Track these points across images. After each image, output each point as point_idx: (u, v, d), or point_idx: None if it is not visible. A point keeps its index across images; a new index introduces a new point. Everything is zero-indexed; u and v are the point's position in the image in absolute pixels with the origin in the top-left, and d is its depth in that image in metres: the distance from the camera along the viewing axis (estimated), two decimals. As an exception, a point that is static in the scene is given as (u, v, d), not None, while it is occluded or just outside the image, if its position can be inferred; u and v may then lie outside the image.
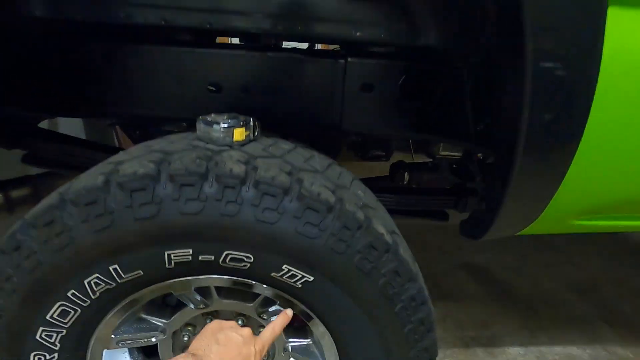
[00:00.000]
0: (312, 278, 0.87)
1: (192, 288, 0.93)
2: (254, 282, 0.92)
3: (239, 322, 1.09)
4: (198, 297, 0.98)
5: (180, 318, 1.05)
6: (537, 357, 2.03)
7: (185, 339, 1.09)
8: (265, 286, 0.92)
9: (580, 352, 2.08)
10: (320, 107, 1.27)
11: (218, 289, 1.02)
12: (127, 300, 0.91)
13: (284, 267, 0.85)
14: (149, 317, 1.06)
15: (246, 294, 1.08)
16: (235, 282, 0.93)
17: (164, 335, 1.07)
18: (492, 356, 2.02)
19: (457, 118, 1.38)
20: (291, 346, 1.11)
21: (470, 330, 2.20)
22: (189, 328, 1.11)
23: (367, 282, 0.89)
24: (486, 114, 1.26)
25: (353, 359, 1.01)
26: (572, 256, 3.18)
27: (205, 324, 1.11)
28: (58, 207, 0.79)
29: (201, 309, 1.03)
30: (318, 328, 1.00)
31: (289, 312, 0.92)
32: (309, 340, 1.13)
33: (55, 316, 0.86)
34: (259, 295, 1.03)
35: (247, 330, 0.82)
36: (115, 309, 0.92)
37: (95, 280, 0.83)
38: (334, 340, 1.01)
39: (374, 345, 0.97)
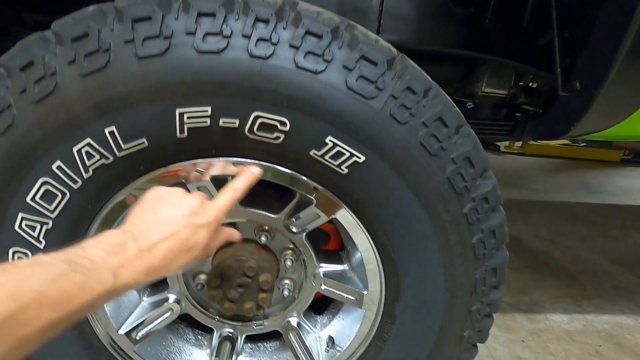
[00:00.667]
0: (362, 158, 0.67)
1: (209, 176, 0.74)
2: (286, 171, 0.72)
3: (262, 239, 0.90)
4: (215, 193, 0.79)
5: (192, 230, 0.87)
6: (583, 325, 1.82)
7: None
8: (299, 176, 0.73)
9: (633, 322, 1.87)
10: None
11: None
12: (127, 187, 0.72)
13: (328, 140, 0.66)
14: (154, 227, 0.88)
15: (270, 202, 0.89)
16: (268, 172, 0.73)
17: (173, 252, 0.89)
18: (534, 322, 1.81)
19: (517, 31, 1.17)
20: (323, 272, 0.92)
21: (506, 296, 1.99)
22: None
23: (433, 168, 0.69)
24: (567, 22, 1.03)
25: (403, 284, 0.82)
26: (611, 230, 2.94)
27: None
28: (38, 44, 0.60)
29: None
30: (362, 242, 0.81)
31: (255, 170, 0.70)
32: (344, 266, 0.95)
33: (37, 199, 0.68)
34: (286, 202, 0.84)
35: (195, 198, 0.61)
36: (114, 201, 0.74)
37: (87, 148, 0.64)
38: (380, 259, 0.81)
39: (433, 261, 0.77)
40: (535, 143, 5.26)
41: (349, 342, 0.94)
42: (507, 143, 5.35)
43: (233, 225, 0.91)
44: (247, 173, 0.69)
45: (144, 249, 0.52)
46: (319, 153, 0.67)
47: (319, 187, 0.74)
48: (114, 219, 0.76)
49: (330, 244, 1.06)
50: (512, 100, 1.46)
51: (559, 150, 5.12)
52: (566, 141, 5.52)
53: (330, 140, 0.66)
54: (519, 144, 5.38)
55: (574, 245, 2.65)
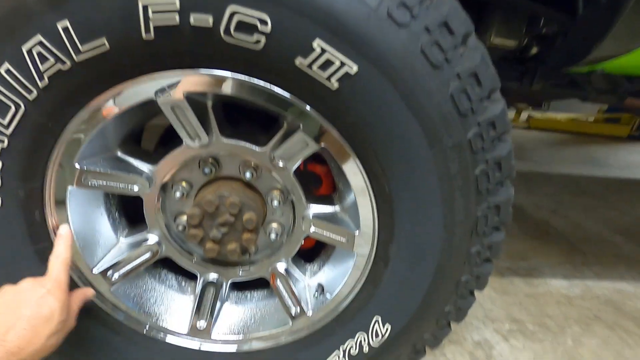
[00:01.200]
0: (355, 68, 0.59)
1: (184, 94, 0.66)
2: (269, 87, 0.64)
3: (247, 175, 0.83)
4: (194, 120, 0.71)
5: (170, 163, 0.80)
6: (583, 291, 1.78)
7: (178, 195, 0.84)
8: (284, 94, 0.64)
9: (633, 289, 1.83)
10: None
11: (219, 121, 0.75)
12: (92, 104, 0.65)
13: (315, 44, 0.57)
14: (129, 158, 0.81)
15: (256, 135, 0.82)
16: (237, 87, 0.65)
17: (150, 187, 0.82)
18: (532, 286, 1.77)
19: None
20: (313, 214, 0.86)
21: (505, 261, 1.95)
22: (183, 184, 0.85)
23: (435, 83, 0.61)
24: None
25: (397, 222, 0.75)
26: (613, 201, 2.88)
27: (203, 180, 0.87)
28: None
29: (197, 148, 0.77)
30: (353, 175, 0.74)
31: (63, 230, 0.75)
32: (336, 207, 0.88)
33: (-13, 110, 0.60)
34: (272, 135, 0.76)
35: (27, 281, 0.67)
36: (78, 120, 0.66)
37: (39, 49, 0.56)
38: (373, 194, 0.74)
39: (430, 195, 0.70)
40: (540, 117, 5.13)
41: (339, 287, 0.89)
42: (512, 117, 5.22)
43: (216, 160, 0.84)
44: (60, 237, 0.74)
45: None
46: (306, 62, 0.59)
47: (307, 107, 0.65)
48: (78, 144, 0.69)
49: (322, 188, 1.00)
50: (522, 53, 1.36)
51: (565, 124, 5.00)
52: (573, 115, 5.38)
53: (319, 45, 0.57)
54: (524, 117, 5.25)
55: (575, 215, 2.59)
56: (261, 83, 0.64)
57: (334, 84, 0.61)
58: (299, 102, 0.65)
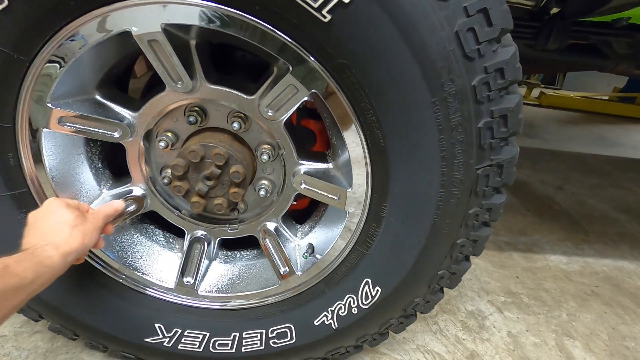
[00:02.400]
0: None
1: (161, 25, 0.59)
2: (254, 20, 0.58)
3: (235, 126, 0.78)
4: (174, 59, 0.65)
5: (152, 109, 0.75)
6: (582, 267, 1.75)
7: (162, 145, 0.79)
8: (271, 29, 0.58)
9: (634, 267, 1.80)
10: None
11: (204, 65, 0.69)
12: (61, 31, 0.59)
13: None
14: (109, 103, 0.76)
15: (244, 83, 0.76)
16: (219, 20, 0.59)
17: (132, 135, 0.77)
18: (530, 261, 1.74)
19: None
20: (304, 170, 0.81)
21: (504, 235, 1.92)
22: (168, 134, 0.81)
23: (439, 17, 0.54)
24: None
25: (392, 179, 0.70)
26: (621, 180, 2.81)
27: (189, 131, 0.82)
28: None
29: (181, 94, 0.71)
30: (346, 125, 0.68)
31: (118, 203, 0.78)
32: (329, 164, 0.83)
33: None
34: (259, 84, 0.70)
35: (72, 208, 0.68)
36: (45, 49, 0.60)
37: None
38: (367, 147, 0.69)
39: (428, 148, 0.65)
40: (552, 94, 4.96)
41: (329, 248, 0.86)
42: (523, 93, 5.06)
43: (202, 110, 0.78)
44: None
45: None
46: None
47: (295, 45, 0.59)
48: (50, 80, 0.63)
49: (317, 145, 0.95)
50: (540, 14, 1.25)
51: (577, 102, 4.84)
52: (586, 94, 5.20)
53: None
54: (535, 94, 5.08)
55: (581, 192, 2.53)
56: (242, 14, 0.57)
57: (326, 15, 0.54)
58: (285, 38, 0.59)
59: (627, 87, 5.06)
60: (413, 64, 0.56)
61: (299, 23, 0.56)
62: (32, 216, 0.66)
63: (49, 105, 0.67)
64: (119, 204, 0.77)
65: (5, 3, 0.53)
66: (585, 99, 4.93)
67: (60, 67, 0.63)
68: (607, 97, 5.13)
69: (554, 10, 1.24)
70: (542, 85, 5.33)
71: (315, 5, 0.53)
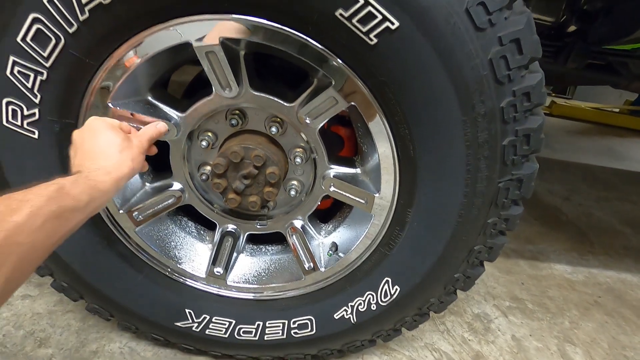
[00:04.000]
0: (396, 24, 0.58)
1: (219, 39, 0.65)
2: (305, 38, 0.63)
3: (273, 130, 0.84)
4: (227, 68, 0.71)
5: (198, 111, 0.81)
6: (586, 277, 1.80)
7: (204, 144, 0.85)
8: (320, 47, 0.64)
9: (637, 280, 1.84)
10: None
11: (250, 73, 0.75)
12: (128, 43, 0.65)
13: (359, -6, 0.56)
14: (159, 104, 0.82)
15: (284, 91, 0.82)
16: (273, 36, 0.65)
17: (177, 134, 0.83)
18: (536, 269, 1.80)
19: None
20: (333, 174, 0.87)
21: (512, 243, 1.97)
22: (210, 134, 0.87)
23: (476, 46, 0.59)
24: None
25: (419, 187, 0.76)
26: (628, 194, 2.84)
27: (229, 132, 0.88)
28: None
29: (226, 98, 0.77)
30: (379, 136, 0.74)
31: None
32: (357, 169, 0.89)
33: (29, 39, 0.61)
34: (300, 92, 0.76)
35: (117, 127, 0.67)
36: (114, 59, 0.67)
37: (82, -20, 0.56)
38: (398, 157, 0.75)
39: (456, 161, 0.70)
40: (563, 104, 4.97)
41: (353, 248, 0.92)
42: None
43: (243, 113, 0.84)
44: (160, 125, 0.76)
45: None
46: (347, 14, 0.58)
47: (341, 63, 0.65)
48: (112, 85, 0.70)
49: (344, 150, 1.01)
50: (560, 30, 1.30)
51: (588, 113, 4.84)
52: (597, 105, 5.20)
53: (362, -4, 0.56)
54: (547, 103, 5.09)
55: (588, 204, 2.57)
56: (297, 33, 0.63)
57: (373, 39, 0.60)
58: (332, 56, 0.65)
59: (638, 100, 5.06)
60: (448, 86, 0.62)
61: (347, 44, 0.62)
62: (77, 136, 0.63)
63: (110, 104, 0.73)
64: (162, 126, 0.75)
65: (87, 14, 0.60)
66: (596, 110, 4.94)
67: (124, 72, 0.69)
68: (617, 110, 5.13)
69: (572, 28, 1.29)
70: (554, 95, 5.34)
71: (364, 30, 0.59)
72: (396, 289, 0.91)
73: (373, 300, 0.93)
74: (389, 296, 0.92)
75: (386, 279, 0.90)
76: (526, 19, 0.61)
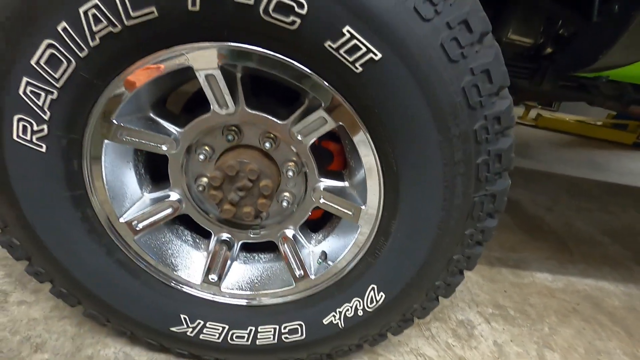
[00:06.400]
0: (379, 55, 0.64)
1: (219, 64, 0.71)
2: (298, 65, 0.70)
3: (266, 145, 0.90)
4: (225, 90, 0.77)
5: (196, 127, 0.86)
6: (565, 285, 1.88)
7: (201, 157, 0.91)
8: (310, 73, 0.70)
9: (613, 288, 1.93)
10: None
11: (246, 93, 0.81)
12: (134, 66, 0.71)
13: (345, 30, 0.63)
14: (160, 120, 0.87)
15: (277, 109, 0.88)
16: (269, 62, 0.71)
17: (176, 148, 0.89)
18: (518, 277, 1.87)
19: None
20: (323, 187, 0.93)
21: (496, 251, 2.05)
22: (207, 148, 0.92)
23: (450, 75, 0.66)
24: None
25: (402, 200, 0.82)
26: (608, 205, 2.96)
27: (225, 146, 0.93)
28: None
29: (223, 116, 0.83)
30: (365, 153, 0.80)
31: None
32: (345, 183, 0.95)
33: (43, 63, 0.66)
34: (292, 110, 0.83)
35: None
36: (121, 79, 0.72)
37: (94, 11, 0.62)
38: (382, 172, 0.81)
39: (434, 178, 0.77)
40: (549, 117, 5.14)
41: (341, 256, 0.97)
42: (520, 114, 5.23)
43: (238, 128, 0.90)
44: None
45: None
46: (335, 45, 0.64)
47: (330, 87, 0.72)
48: (118, 102, 0.75)
49: (333, 164, 1.07)
50: (537, 52, 1.39)
51: (572, 126, 5.01)
52: (581, 118, 5.38)
53: (348, 31, 0.63)
54: (532, 115, 5.25)
55: (569, 214, 2.67)
56: (290, 60, 0.70)
57: (358, 67, 0.66)
58: (322, 81, 0.71)
59: (620, 114, 5.25)
60: (426, 110, 0.69)
61: (335, 71, 0.68)
62: None
63: (114, 121, 0.78)
64: None
65: (97, 41, 0.65)
66: (580, 123, 5.11)
67: (129, 91, 0.74)
68: (600, 123, 5.31)
69: (548, 50, 1.38)
70: (540, 107, 5.51)
71: (350, 59, 0.66)
72: (381, 296, 0.96)
73: (360, 306, 0.98)
74: (374, 302, 0.97)
75: (372, 285, 0.96)
76: (495, 51, 0.68)
